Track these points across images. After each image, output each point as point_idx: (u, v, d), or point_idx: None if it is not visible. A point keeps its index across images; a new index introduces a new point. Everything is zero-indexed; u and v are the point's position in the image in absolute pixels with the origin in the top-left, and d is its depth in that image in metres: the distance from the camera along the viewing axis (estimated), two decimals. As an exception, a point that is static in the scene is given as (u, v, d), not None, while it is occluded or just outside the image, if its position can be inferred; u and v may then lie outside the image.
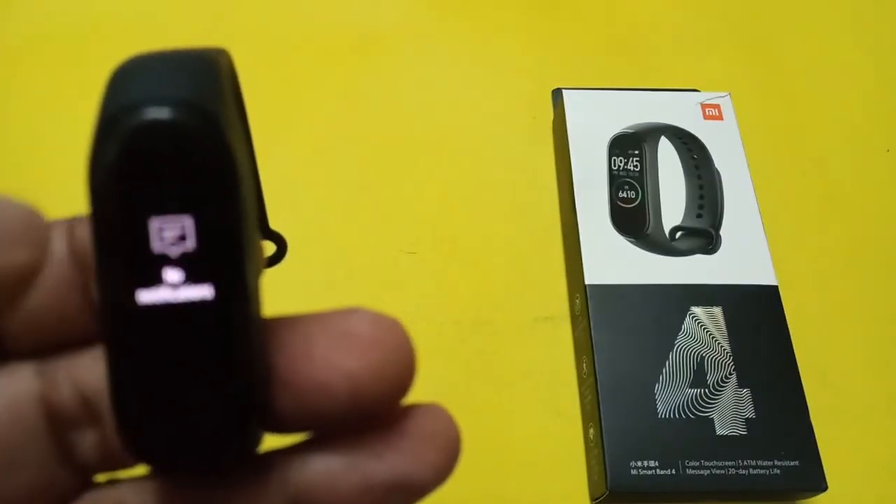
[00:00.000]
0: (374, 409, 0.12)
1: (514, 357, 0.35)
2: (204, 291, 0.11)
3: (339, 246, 0.38)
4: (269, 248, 0.19)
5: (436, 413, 0.13)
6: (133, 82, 0.11)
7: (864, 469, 0.33)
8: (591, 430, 0.32)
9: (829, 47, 0.47)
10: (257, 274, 0.11)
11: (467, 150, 0.41)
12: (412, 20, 0.46)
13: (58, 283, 0.12)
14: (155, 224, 0.10)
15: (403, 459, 0.12)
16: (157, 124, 0.10)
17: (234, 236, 0.11)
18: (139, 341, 0.11)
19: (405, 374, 0.12)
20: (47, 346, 0.12)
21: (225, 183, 0.11)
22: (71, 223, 0.12)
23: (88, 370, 0.12)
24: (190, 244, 0.11)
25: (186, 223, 0.10)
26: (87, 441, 0.12)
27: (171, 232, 0.10)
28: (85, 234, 0.12)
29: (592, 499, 0.32)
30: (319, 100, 0.43)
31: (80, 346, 0.12)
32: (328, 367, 0.11)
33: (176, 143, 0.10)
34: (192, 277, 0.11)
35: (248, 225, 0.11)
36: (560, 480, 0.32)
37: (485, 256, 0.38)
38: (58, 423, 0.12)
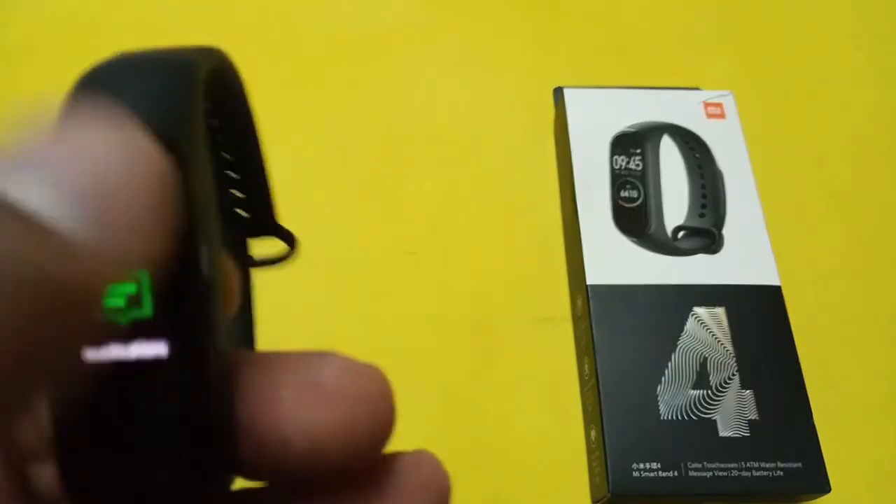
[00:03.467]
0: (344, 464, 0.10)
1: (515, 358, 0.35)
2: (158, 349, 0.09)
3: (340, 246, 0.37)
4: (277, 245, 0.18)
5: (422, 461, 0.11)
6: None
7: (868, 471, 0.33)
8: (593, 432, 0.32)
9: (832, 46, 0.47)
10: (224, 318, 0.10)
11: (467, 149, 0.41)
12: (412, 21, 0.46)
13: None
14: None
15: None
16: None
17: (193, 282, 0.09)
18: (86, 400, 0.09)
19: (379, 427, 0.11)
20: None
21: None
22: None
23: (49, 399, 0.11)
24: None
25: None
26: (45, 475, 0.11)
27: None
28: None
29: (594, 501, 0.31)
30: (319, 101, 0.43)
31: None
32: (290, 420, 0.10)
33: None
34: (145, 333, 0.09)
35: (211, 265, 0.09)
36: (561, 482, 0.32)
37: (485, 256, 0.38)
38: (14, 456, 0.11)
